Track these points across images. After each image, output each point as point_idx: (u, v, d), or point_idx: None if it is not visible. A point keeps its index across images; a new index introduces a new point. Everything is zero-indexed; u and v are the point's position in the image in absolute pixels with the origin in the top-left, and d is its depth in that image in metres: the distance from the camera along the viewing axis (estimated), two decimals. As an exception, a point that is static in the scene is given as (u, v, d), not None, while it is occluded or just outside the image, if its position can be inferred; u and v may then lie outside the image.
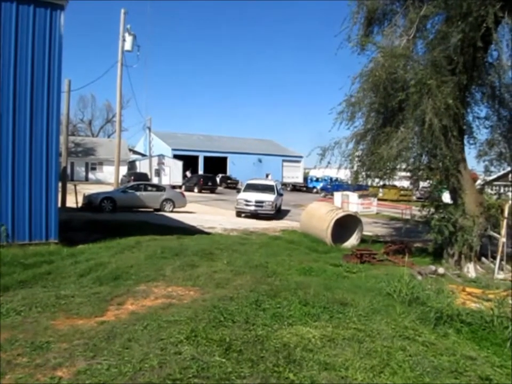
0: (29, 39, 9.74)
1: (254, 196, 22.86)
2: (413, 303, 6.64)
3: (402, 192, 40.08)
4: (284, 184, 56.86)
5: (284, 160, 66.99)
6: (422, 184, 16.66)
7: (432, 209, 13.26)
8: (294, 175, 66.04)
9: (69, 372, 3.78)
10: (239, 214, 23.01)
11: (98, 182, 47.36)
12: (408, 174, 14.95)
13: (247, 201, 22.64)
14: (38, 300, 5.97)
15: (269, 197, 22.86)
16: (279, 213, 24.56)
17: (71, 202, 20.96)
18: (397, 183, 35.39)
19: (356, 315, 5.78)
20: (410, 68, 11.73)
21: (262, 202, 22.46)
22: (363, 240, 15.76)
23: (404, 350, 4.68)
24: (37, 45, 9.84)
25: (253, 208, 22.44)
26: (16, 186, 9.64)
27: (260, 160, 63.28)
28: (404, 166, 13.72)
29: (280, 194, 25.61)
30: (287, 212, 26.69)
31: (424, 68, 11.31)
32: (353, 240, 15.66)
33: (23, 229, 9.76)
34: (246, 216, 22.58)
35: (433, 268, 10.96)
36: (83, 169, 52.54)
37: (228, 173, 58.45)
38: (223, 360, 4.05)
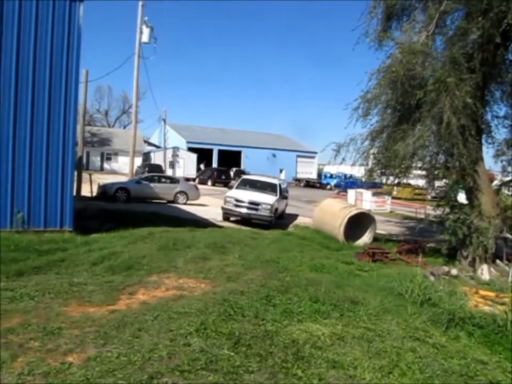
0: (48, 30, 9.81)
1: (248, 195, 17.28)
2: (425, 304, 6.59)
3: (416, 191, 39.75)
4: (298, 180, 56.63)
5: (298, 156, 66.42)
6: (438, 183, 16.47)
7: (447, 209, 13.10)
8: (308, 170, 65.62)
9: (79, 358, 3.83)
10: (226, 216, 17.52)
11: (113, 172, 47.57)
12: (424, 172, 14.78)
13: (238, 200, 16.98)
14: (51, 286, 6.05)
15: (267, 198, 17.21)
16: (281, 219, 19.39)
17: (86, 191, 21.14)
18: (411, 182, 35.16)
19: (366, 314, 5.74)
20: (428, 65, 11.56)
21: (257, 204, 16.74)
22: (376, 238, 15.67)
23: (413, 351, 4.63)
24: (56, 35, 9.91)
25: (244, 210, 16.82)
26: (33, 174, 9.77)
27: (274, 155, 62.97)
28: (419, 165, 13.58)
29: (284, 197, 19.67)
30: (293, 217, 21.26)
31: (442, 65, 11.13)
32: (365, 238, 15.56)
33: (39, 216, 9.89)
34: (237, 221, 17.35)
35: (446, 268, 10.85)
36: (98, 159, 52.86)
37: (242, 167, 58.21)
38: (232, 353, 4.06)
